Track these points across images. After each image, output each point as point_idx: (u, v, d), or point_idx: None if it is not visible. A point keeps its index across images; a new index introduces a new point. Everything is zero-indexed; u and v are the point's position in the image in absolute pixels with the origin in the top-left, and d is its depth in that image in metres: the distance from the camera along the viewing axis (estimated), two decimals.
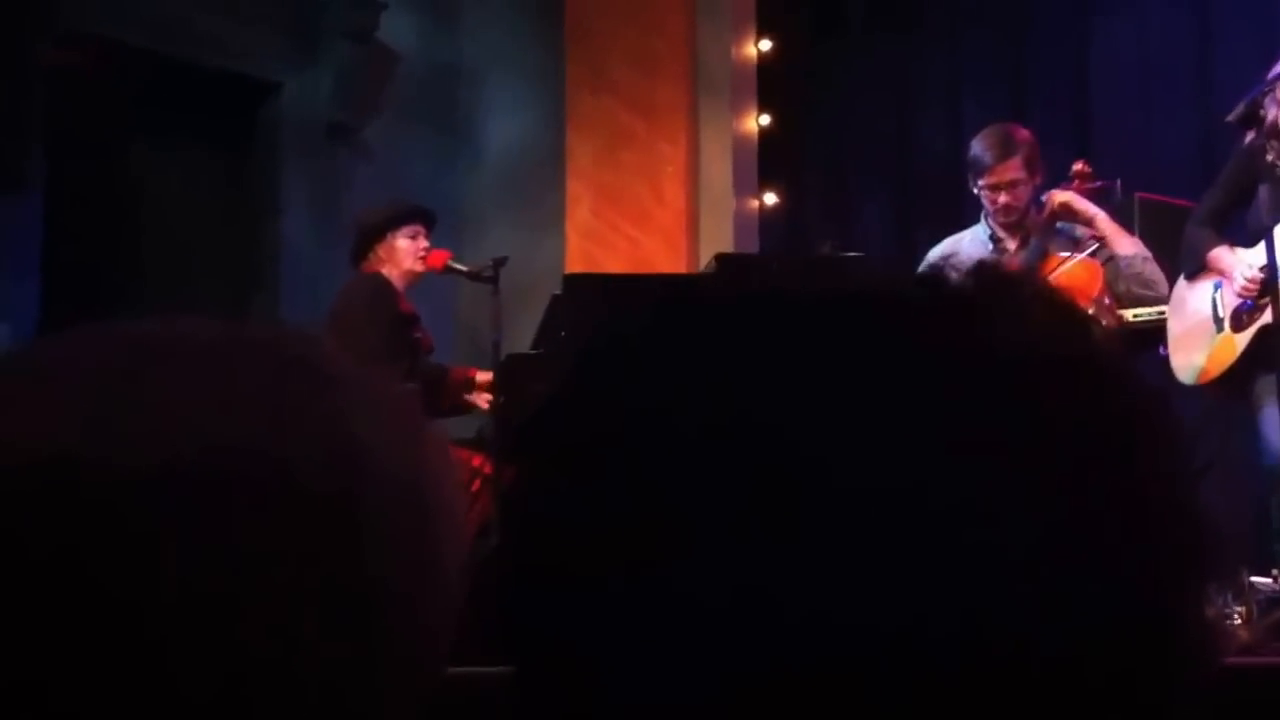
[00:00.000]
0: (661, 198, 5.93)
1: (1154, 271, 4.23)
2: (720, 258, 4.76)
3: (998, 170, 4.20)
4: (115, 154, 5.53)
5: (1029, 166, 4.23)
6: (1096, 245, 4.20)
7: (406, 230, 4.77)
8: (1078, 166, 4.44)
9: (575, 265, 5.70)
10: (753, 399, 0.48)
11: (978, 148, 4.27)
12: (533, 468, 0.52)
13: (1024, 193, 4.23)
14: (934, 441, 0.47)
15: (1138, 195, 4.85)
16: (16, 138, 4.30)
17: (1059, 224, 4.28)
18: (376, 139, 6.09)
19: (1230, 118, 4.55)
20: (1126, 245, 4.21)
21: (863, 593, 0.46)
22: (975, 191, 4.30)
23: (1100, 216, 4.25)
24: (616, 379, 0.51)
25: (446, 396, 4.76)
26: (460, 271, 4.85)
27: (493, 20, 6.39)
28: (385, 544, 0.59)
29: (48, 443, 0.56)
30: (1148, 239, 4.52)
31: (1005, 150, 4.21)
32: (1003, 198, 4.21)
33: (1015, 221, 4.26)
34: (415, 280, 4.79)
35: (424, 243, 4.78)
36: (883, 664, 0.45)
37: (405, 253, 4.74)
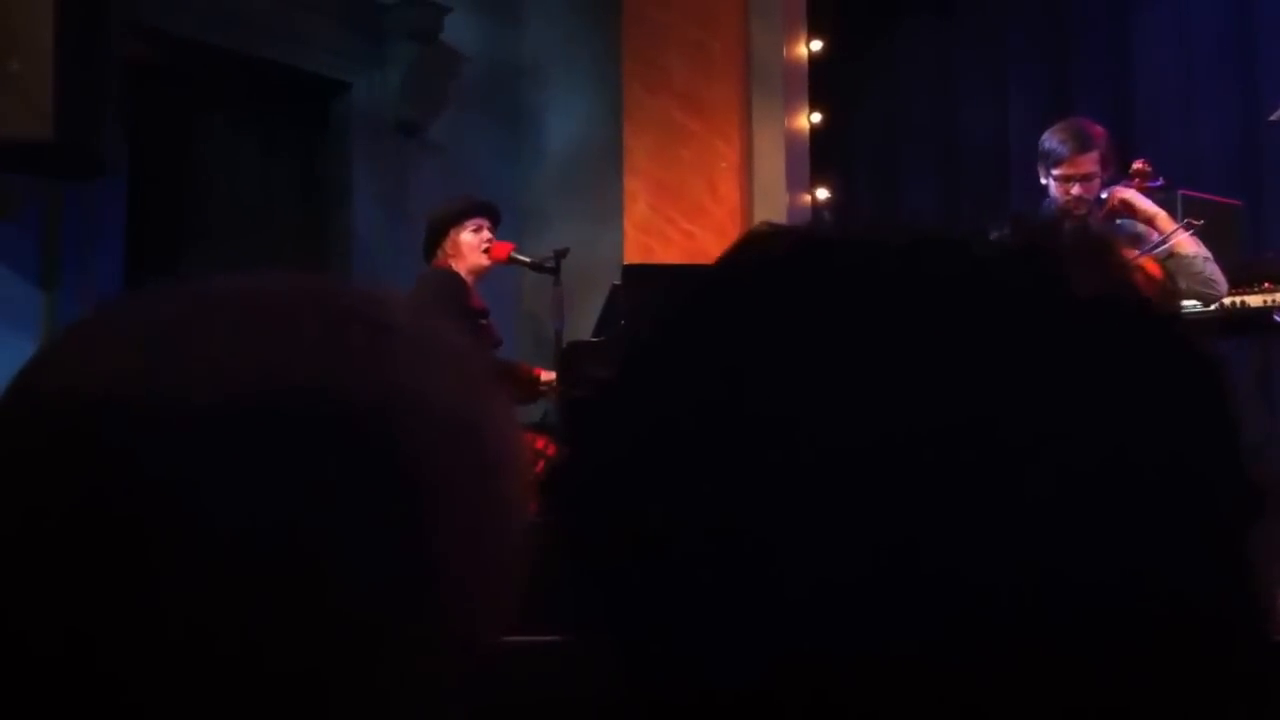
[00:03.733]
0: (716, 193, 5.99)
1: (1215, 271, 4.28)
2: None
3: (1075, 162, 4.28)
4: (194, 145, 5.65)
5: (1103, 161, 4.31)
6: (1162, 246, 4.26)
7: (470, 225, 4.88)
8: (1138, 165, 4.51)
9: (632, 258, 5.78)
10: (815, 364, 0.47)
11: (1054, 140, 4.33)
12: (593, 449, 0.52)
13: (1095, 186, 4.31)
14: (1009, 391, 0.46)
15: (1180, 192, 4.87)
16: (100, 127, 4.44)
17: (1118, 220, 4.35)
18: (442, 135, 6.19)
19: (1273, 117, 4.66)
20: (1188, 245, 4.27)
21: (958, 544, 0.44)
22: (1045, 181, 4.36)
23: (1161, 215, 4.31)
24: (674, 361, 0.50)
25: (512, 388, 4.88)
26: (523, 262, 4.96)
27: (553, 21, 6.48)
28: (439, 488, 0.59)
29: (111, 379, 0.57)
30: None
31: (1083, 144, 4.29)
32: (1075, 189, 4.28)
33: (1081, 214, 4.31)
34: (484, 272, 4.91)
35: (487, 235, 4.88)
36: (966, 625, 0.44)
37: (469, 246, 4.85)
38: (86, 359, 0.58)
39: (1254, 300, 4.74)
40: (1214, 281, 4.27)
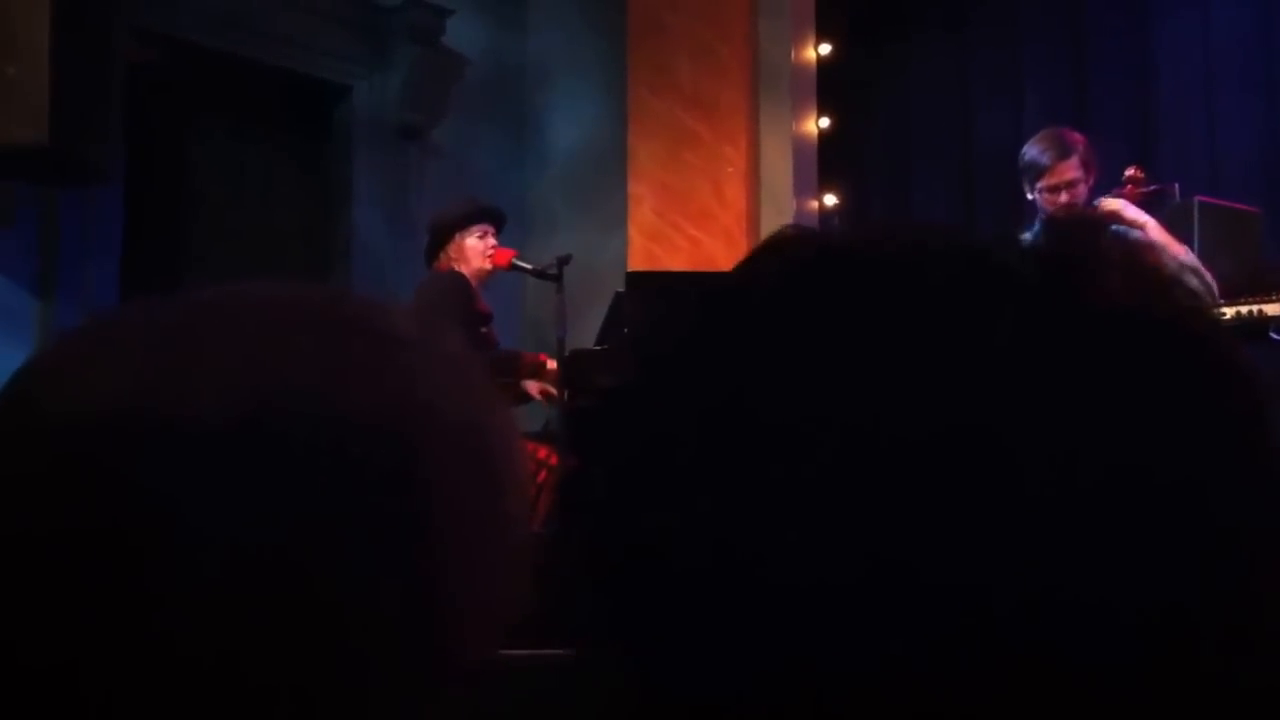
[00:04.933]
0: (723, 198, 5.96)
1: (1199, 284, 4.26)
2: None
3: (1057, 170, 4.27)
4: (193, 150, 5.64)
5: (1085, 166, 4.30)
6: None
7: (475, 230, 4.87)
8: (1130, 172, 4.50)
9: (637, 264, 5.76)
10: (823, 376, 0.46)
11: (1033, 151, 4.33)
12: (599, 460, 0.51)
13: (1082, 191, 4.30)
14: (1034, 397, 0.45)
15: (1197, 199, 4.86)
16: (98, 133, 4.41)
17: (1111, 228, 4.35)
18: (445, 139, 6.18)
19: None
20: (1177, 251, 4.25)
21: (960, 558, 0.44)
22: (1031, 196, 4.35)
23: (1150, 224, 4.29)
24: (680, 372, 0.50)
25: (519, 379, 4.87)
26: (525, 269, 4.94)
27: (558, 24, 6.46)
28: (445, 502, 0.59)
29: (114, 394, 0.56)
30: (1207, 243, 4.55)
31: (1062, 151, 4.28)
32: (1063, 196, 4.26)
33: None
34: (486, 278, 4.90)
35: (491, 241, 4.88)
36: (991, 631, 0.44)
37: (474, 251, 4.85)
38: (88, 371, 0.58)
39: (1271, 309, 4.69)
40: (1201, 294, 4.22)
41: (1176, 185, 4.90)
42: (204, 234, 5.63)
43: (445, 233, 4.88)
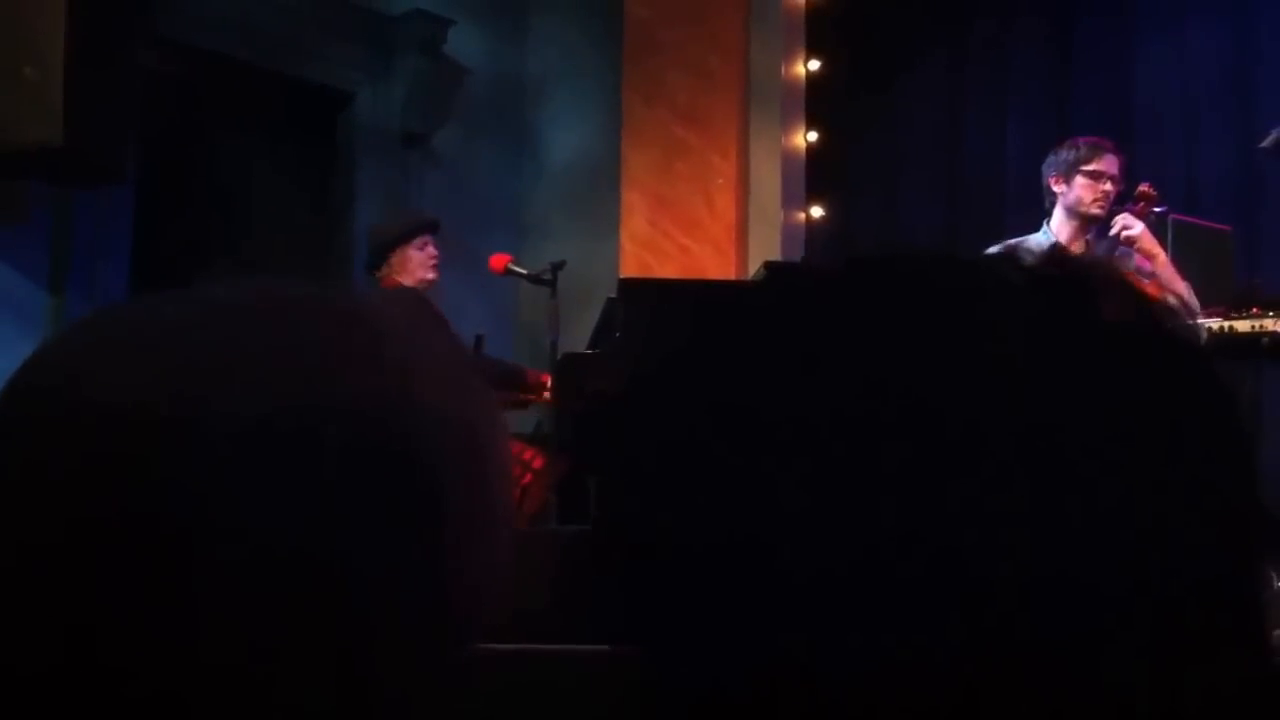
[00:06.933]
0: (713, 208, 6.04)
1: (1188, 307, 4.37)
2: (769, 265, 4.91)
3: (1105, 160, 4.37)
4: (201, 153, 5.73)
5: (1123, 174, 4.42)
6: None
7: (416, 242, 4.89)
8: (1143, 188, 4.55)
9: (629, 271, 5.82)
10: (830, 381, 0.47)
11: (1080, 148, 4.42)
12: (608, 462, 0.52)
13: (1115, 193, 4.40)
14: (1022, 407, 0.46)
15: (1171, 217, 4.91)
16: (112, 134, 4.50)
17: (1117, 250, 4.41)
18: (445, 146, 6.26)
19: (1263, 144, 4.70)
20: (1180, 289, 4.36)
21: (958, 551, 0.45)
22: (1060, 189, 4.42)
23: (1161, 258, 4.39)
24: (686, 375, 0.51)
25: (523, 393, 4.93)
26: (519, 274, 5.00)
27: (556, 36, 6.53)
28: (455, 499, 0.60)
29: (142, 390, 0.57)
30: (1180, 261, 4.64)
31: (1107, 149, 4.40)
32: (1106, 184, 4.37)
33: (1100, 217, 4.41)
34: (429, 287, 4.91)
35: (432, 250, 4.90)
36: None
37: (416, 262, 4.87)
38: (113, 366, 0.58)
39: (1242, 326, 4.76)
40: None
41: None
42: (210, 235, 5.68)
43: (387, 247, 4.89)
